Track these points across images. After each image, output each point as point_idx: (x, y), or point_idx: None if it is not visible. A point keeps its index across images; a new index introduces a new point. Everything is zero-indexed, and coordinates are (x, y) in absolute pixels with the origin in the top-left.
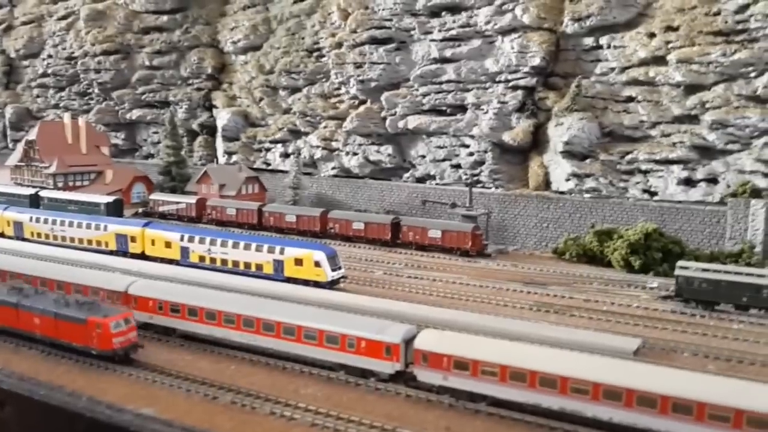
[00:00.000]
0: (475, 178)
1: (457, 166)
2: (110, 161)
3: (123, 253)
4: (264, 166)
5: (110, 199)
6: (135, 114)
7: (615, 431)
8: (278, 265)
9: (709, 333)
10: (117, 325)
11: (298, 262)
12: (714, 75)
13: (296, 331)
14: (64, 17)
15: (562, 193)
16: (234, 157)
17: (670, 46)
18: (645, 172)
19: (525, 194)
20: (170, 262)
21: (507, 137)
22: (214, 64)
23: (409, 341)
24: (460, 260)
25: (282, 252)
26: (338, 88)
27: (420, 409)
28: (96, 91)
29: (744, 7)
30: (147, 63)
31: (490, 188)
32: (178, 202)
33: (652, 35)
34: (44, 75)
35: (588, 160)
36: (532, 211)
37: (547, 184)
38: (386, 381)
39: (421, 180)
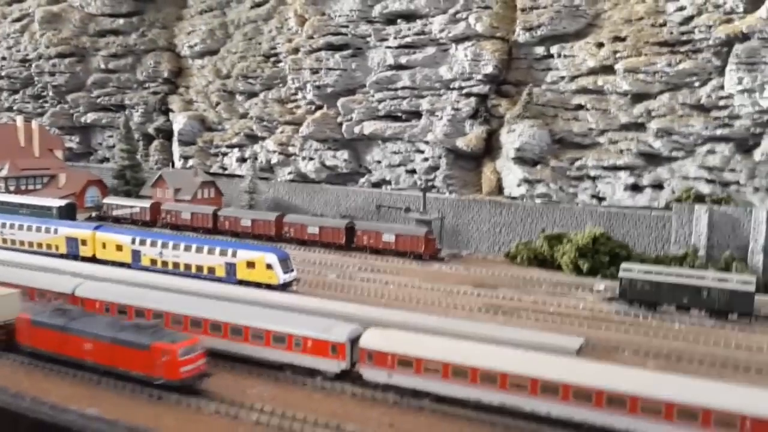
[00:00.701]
0: (430, 184)
1: (412, 172)
2: (64, 165)
3: (74, 256)
4: (221, 171)
5: (63, 202)
6: (90, 117)
7: (553, 425)
8: (230, 268)
9: (650, 333)
10: (185, 351)
11: (251, 264)
12: (659, 84)
13: (243, 332)
14: (18, 19)
15: (514, 198)
16: (190, 162)
17: (617, 55)
18: (593, 178)
19: (478, 199)
20: (121, 265)
21: (461, 143)
22: (170, 67)
23: (354, 340)
24: (414, 264)
25: (234, 255)
26: (295, 94)
27: (365, 407)
28: (50, 94)
29: (688, 19)
30: (102, 66)
31: (444, 193)
32: (132, 206)
33: (600, 45)
34: None
35: (539, 166)
36: (485, 216)
37: (499, 189)
38: (332, 380)
39: (377, 185)
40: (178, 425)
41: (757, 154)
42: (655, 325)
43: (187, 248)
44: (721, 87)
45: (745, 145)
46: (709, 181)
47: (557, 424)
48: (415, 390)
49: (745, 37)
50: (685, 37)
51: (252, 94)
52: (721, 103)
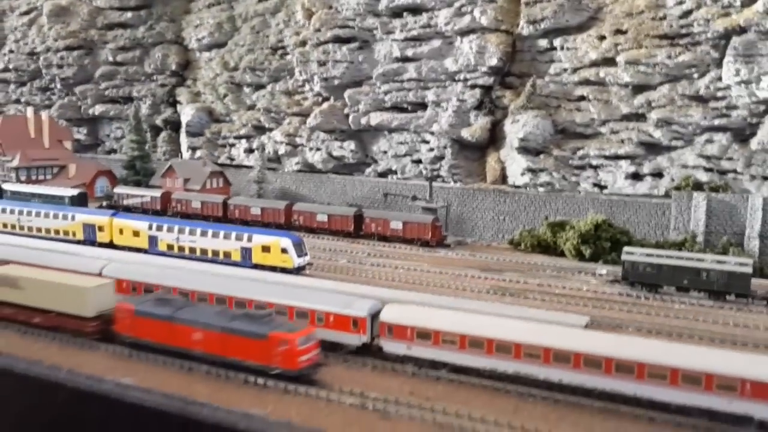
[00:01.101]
0: (435, 173)
1: (418, 161)
2: (73, 156)
3: (90, 242)
4: (228, 162)
5: (74, 192)
6: (98, 109)
7: (564, 392)
8: (246, 252)
9: (652, 312)
10: (303, 341)
11: (266, 249)
12: (660, 76)
13: (267, 308)
14: (26, 12)
15: (517, 187)
16: (198, 153)
17: (619, 48)
18: (595, 167)
19: (483, 188)
20: (138, 251)
21: (465, 134)
22: (178, 60)
23: (374, 315)
24: (421, 250)
25: (250, 239)
26: (302, 86)
27: (386, 378)
28: (58, 86)
29: (688, 13)
30: (110, 59)
31: (450, 182)
32: (143, 196)
33: (602, 38)
34: (5, 70)
35: (542, 156)
36: (489, 205)
37: (503, 178)
38: (354, 353)
39: (382, 175)
40: (210, 393)
41: (754, 143)
42: (656, 306)
43: (203, 233)
44: (719, 78)
45: (742, 135)
46: (707, 170)
47: (568, 390)
48: (433, 361)
49: (742, 30)
50: (684, 30)
51: (259, 86)
52: (719, 94)
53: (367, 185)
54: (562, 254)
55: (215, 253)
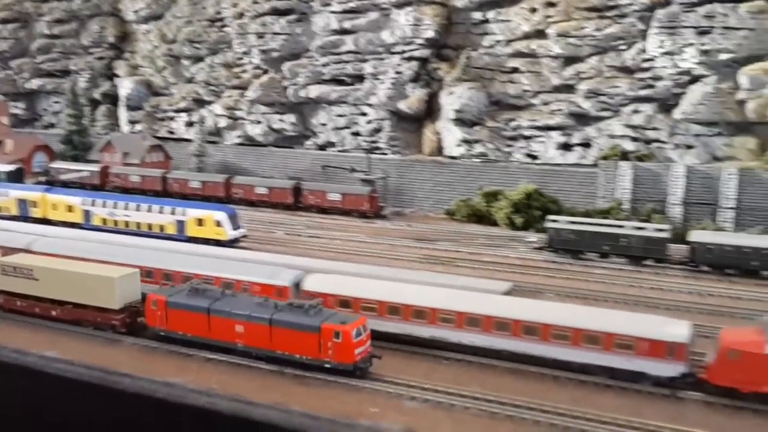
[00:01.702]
0: (374, 145)
1: (357, 134)
2: (10, 130)
3: (24, 218)
4: (168, 135)
5: (11, 167)
6: (35, 83)
7: (477, 354)
8: (180, 225)
9: (573, 277)
10: (358, 332)
11: (200, 222)
12: (588, 48)
13: (193, 279)
14: None
15: (453, 158)
16: (137, 126)
17: (549, 20)
18: (528, 138)
19: (420, 159)
20: (74, 226)
21: (403, 106)
22: (115, 33)
23: (298, 284)
24: (358, 221)
25: (184, 213)
26: (241, 58)
27: None
28: None
29: None
30: (46, 32)
31: (388, 154)
32: (81, 171)
33: (533, 10)
34: None
35: (477, 127)
36: (426, 176)
37: (440, 149)
38: None
39: (322, 147)
40: (135, 364)
41: (677, 113)
42: (578, 271)
43: (138, 207)
44: (645, 50)
45: (667, 105)
46: (633, 139)
47: (480, 352)
48: None
49: (666, 3)
50: (611, 3)
51: (198, 59)
52: (645, 65)
53: (308, 158)
54: (495, 223)
55: (149, 226)
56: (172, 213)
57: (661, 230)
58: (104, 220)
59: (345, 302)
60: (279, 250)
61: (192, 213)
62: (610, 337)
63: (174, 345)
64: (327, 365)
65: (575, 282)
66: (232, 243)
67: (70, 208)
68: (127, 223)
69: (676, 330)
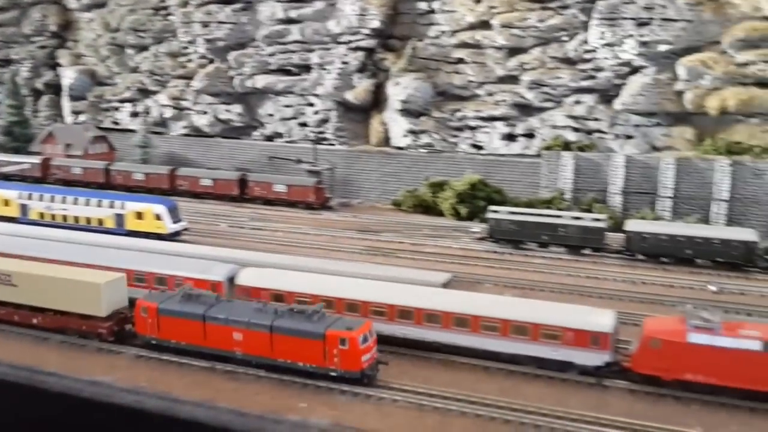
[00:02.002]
0: (321, 136)
1: (304, 124)
2: None
3: None
4: (113, 126)
5: None
6: None
7: (408, 346)
8: (119, 219)
9: (512, 267)
10: (365, 339)
11: (139, 215)
12: (532, 39)
13: (126, 276)
14: None
15: (400, 148)
16: (81, 117)
17: (493, 11)
18: (473, 128)
19: (367, 150)
20: (9, 220)
21: (349, 96)
22: (58, 21)
23: (231, 279)
24: (304, 213)
25: (123, 206)
26: (186, 47)
27: None
28: None
29: None
30: None
31: (335, 145)
32: (21, 163)
33: (478, 1)
34: None
35: (423, 118)
36: (373, 166)
37: (387, 140)
38: None
39: (270, 138)
40: (62, 361)
41: (617, 104)
42: (518, 261)
43: (76, 201)
44: (586, 41)
45: (607, 96)
46: (575, 130)
47: (412, 345)
48: None
49: None
50: None
51: (143, 48)
52: (587, 56)
53: (255, 149)
54: (441, 214)
55: (88, 220)
56: (111, 206)
57: (598, 220)
58: (42, 215)
59: (278, 296)
60: (220, 243)
61: (131, 206)
62: (537, 328)
63: (166, 353)
64: (333, 373)
65: (514, 272)
66: (172, 236)
67: (6, 202)
68: (65, 217)
69: (600, 319)
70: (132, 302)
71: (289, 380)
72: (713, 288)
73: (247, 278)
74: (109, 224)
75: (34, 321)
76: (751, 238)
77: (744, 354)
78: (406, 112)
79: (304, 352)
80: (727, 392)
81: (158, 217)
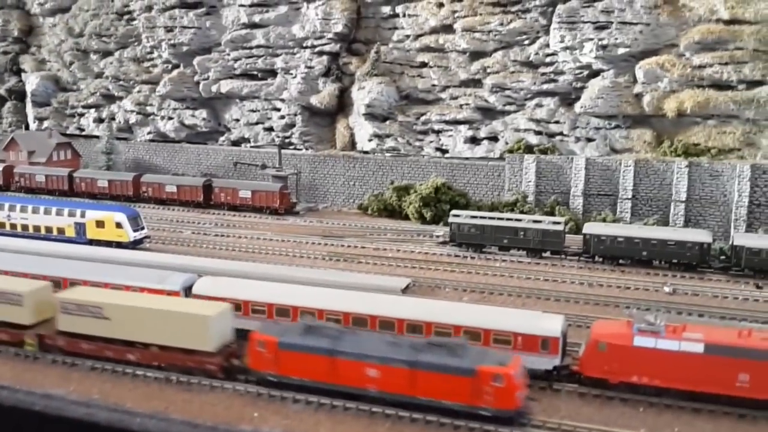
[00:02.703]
0: (287, 140)
1: (270, 129)
2: None
3: None
4: (78, 132)
5: None
6: None
7: None
8: (80, 227)
9: (473, 271)
10: (519, 374)
11: (100, 224)
12: (494, 42)
13: (82, 286)
14: None
15: (366, 152)
16: (45, 123)
17: (456, 15)
18: (437, 132)
19: (333, 154)
20: None
21: (315, 101)
22: (20, 26)
23: (188, 288)
24: (269, 218)
25: (83, 215)
26: (150, 52)
27: None
28: None
29: None
30: None
31: (301, 149)
32: None
33: (440, 5)
34: None
35: (388, 122)
36: (339, 170)
37: (352, 144)
38: None
39: (236, 143)
40: (14, 375)
41: (578, 107)
42: (478, 264)
43: (35, 210)
44: (547, 45)
45: (568, 99)
46: (537, 133)
47: None
48: (245, 330)
49: None
50: None
51: (107, 53)
52: (548, 59)
53: (221, 154)
54: (406, 217)
55: (48, 229)
56: (71, 215)
57: (557, 223)
58: (1, 224)
59: (236, 306)
60: (183, 250)
61: (91, 215)
62: (488, 334)
63: (279, 389)
64: (485, 413)
65: (475, 276)
66: (134, 245)
67: None
68: (25, 226)
69: (550, 324)
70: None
71: (242, 390)
72: (668, 289)
73: (204, 287)
74: (70, 233)
75: (130, 357)
76: (705, 239)
77: (687, 356)
78: (371, 116)
79: (450, 389)
80: (671, 394)
81: (119, 226)
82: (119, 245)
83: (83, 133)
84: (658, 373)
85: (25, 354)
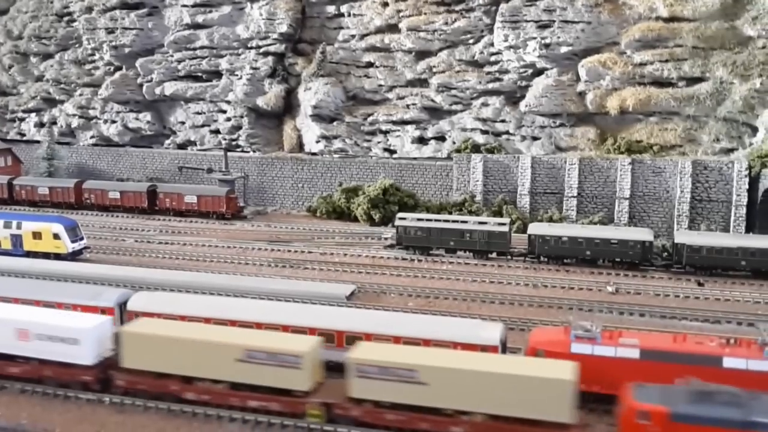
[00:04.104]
0: (234, 143)
1: (216, 132)
2: None
3: None
4: (19, 137)
5: None
6: None
7: None
8: (16, 239)
9: (419, 275)
10: None
11: (37, 235)
12: (439, 42)
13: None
14: None
15: (314, 154)
16: None
17: (401, 14)
18: (385, 132)
19: (281, 157)
20: None
21: (261, 102)
22: None
23: (123, 304)
24: (216, 223)
25: (19, 226)
26: (92, 54)
27: None
28: None
29: None
30: None
31: (249, 152)
32: None
33: (385, 4)
34: None
35: (335, 123)
36: (288, 173)
37: (300, 146)
38: None
39: (182, 146)
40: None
41: (522, 106)
42: (425, 268)
43: None
44: (492, 44)
45: (514, 98)
46: (483, 132)
47: None
48: None
49: None
50: None
51: (47, 56)
52: (492, 58)
53: (167, 158)
54: (355, 219)
55: None
56: (7, 226)
57: (502, 224)
58: None
59: (172, 320)
60: (125, 260)
61: (28, 226)
62: (427, 343)
63: None
64: None
65: (421, 280)
66: (73, 256)
67: None
68: None
69: (488, 333)
70: None
71: (177, 409)
72: (611, 288)
73: (139, 303)
74: (6, 245)
75: (456, 430)
76: (647, 237)
77: (624, 362)
78: (318, 117)
79: None
80: (610, 400)
81: (57, 237)
82: (57, 257)
83: (24, 138)
84: (596, 380)
85: None
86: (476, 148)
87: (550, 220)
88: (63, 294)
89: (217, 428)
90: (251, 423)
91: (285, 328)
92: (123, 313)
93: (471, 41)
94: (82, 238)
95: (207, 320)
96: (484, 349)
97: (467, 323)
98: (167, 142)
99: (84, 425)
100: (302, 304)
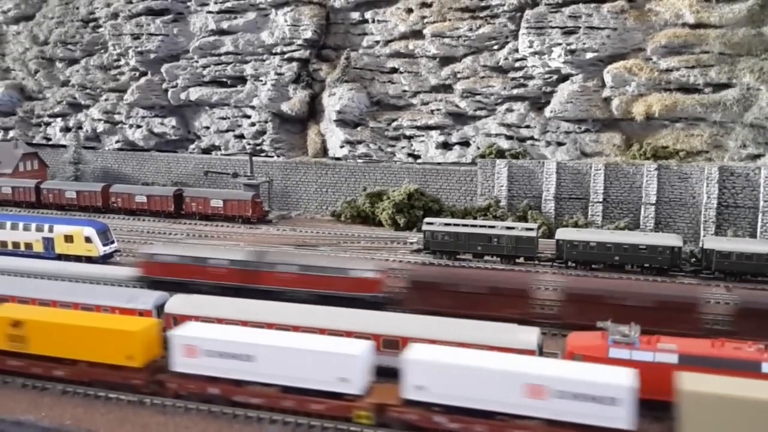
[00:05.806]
0: (258, 148)
1: (241, 137)
2: None
3: None
4: (44, 142)
5: None
6: None
7: None
8: (48, 242)
9: None
10: None
11: (69, 238)
12: (463, 48)
13: (51, 306)
14: None
15: (338, 159)
16: (11, 133)
17: (425, 21)
18: (409, 138)
19: (305, 161)
20: None
21: (285, 107)
22: None
23: (160, 307)
24: (242, 228)
25: (51, 230)
26: (117, 60)
27: None
28: None
29: None
30: None
31: (273, 157)
32: None
33: (409, 11)
34: None
35: (359, 128)
36: (312, 177)
37: (324, 151)
38: None
39: (206, 151)
40: None
41: (547, 111)
42: None
43: (1, 225)
44: (516, 50)
45: (539, 103)
46: (508, 137)
47: None
48: None
49: (534, 3)
50: (483, 3)
51: (73, 61)
52: (517, 64)
53: (191, 162)
54: (380, 224)
55: (16, 245)
56: (39, 230)
57: (529, 229)
58: None
59: (209, 323)
60: None
61: (60, 229)
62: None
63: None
64: None
65: None
66: (104, 259)
67: None
68: None
69: (525, 337)
70: None
71: (218, 411)
72: None
73: (176, 306)
74: (38, 248)
75: None
76: (676, 243)
77: (662, 367)
78: (342, 122)
79: None
80: (646, 405)
81: (88, 240)
82: (89, 260)
83: (50, 143)
84: None
85: None
86: (501, 154)
87: (576, 225)
88: (100, 296)
89: (258, 430)
90: (292, 425)
91: (322, 331)
92: (160, 315)
93: (495, 47)
94: (113, 242)
95: (244, 323)
96: (521, 353)
97: (504, 327)
98: (192, 146)
99: (126, 426)
100: (334, 308)
